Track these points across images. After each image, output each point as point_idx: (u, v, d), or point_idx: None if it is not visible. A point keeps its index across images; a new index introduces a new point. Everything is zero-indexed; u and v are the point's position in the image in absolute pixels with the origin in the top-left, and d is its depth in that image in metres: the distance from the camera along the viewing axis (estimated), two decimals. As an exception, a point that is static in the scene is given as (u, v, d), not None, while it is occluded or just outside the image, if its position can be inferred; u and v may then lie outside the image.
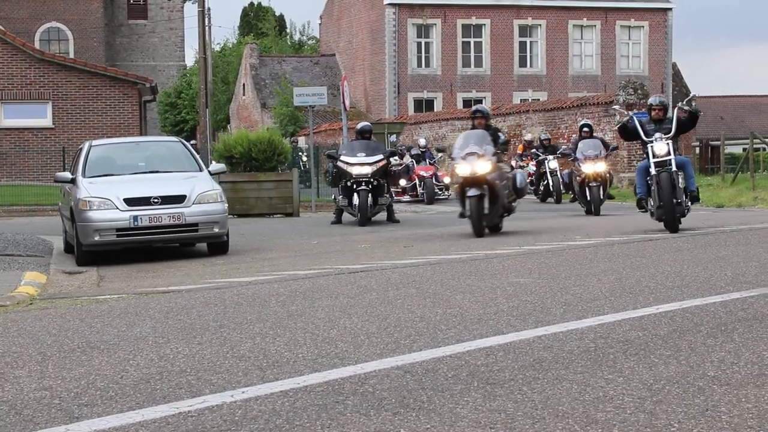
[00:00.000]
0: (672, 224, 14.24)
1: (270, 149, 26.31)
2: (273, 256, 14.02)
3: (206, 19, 44.11)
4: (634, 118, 14.97)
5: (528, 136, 33.02)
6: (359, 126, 21.95)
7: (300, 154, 38.63)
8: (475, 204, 15.28)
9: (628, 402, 4.75)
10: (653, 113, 14.82)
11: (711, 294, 7.95)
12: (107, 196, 14.21)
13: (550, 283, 9.06)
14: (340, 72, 58.09)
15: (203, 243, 15.06)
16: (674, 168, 14.32)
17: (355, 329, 6.98)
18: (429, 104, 54.90)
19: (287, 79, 57.35)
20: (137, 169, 15.67)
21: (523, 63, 56.21)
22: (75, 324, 8.08)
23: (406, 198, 30.89)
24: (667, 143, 14.36)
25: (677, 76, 63.98)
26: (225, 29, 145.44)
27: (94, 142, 16.45)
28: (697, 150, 62.79)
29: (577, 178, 22.63)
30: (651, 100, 15.29)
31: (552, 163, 29.08)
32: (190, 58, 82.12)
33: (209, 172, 15.61)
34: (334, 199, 22.06)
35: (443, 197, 30.96)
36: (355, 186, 20.37)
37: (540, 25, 56.22)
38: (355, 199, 20.31)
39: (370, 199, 20.26)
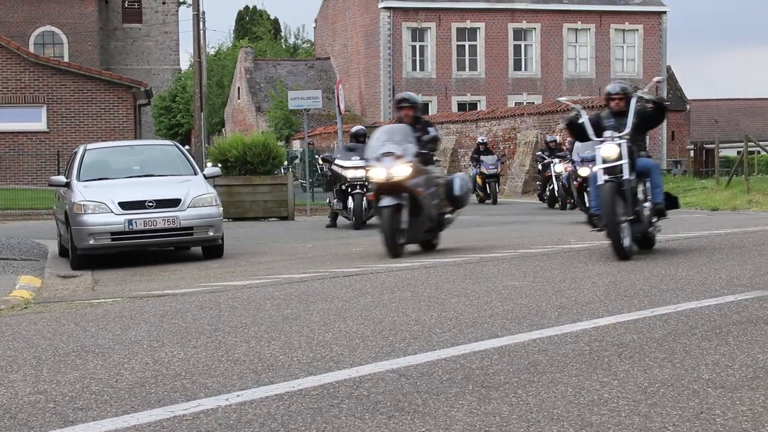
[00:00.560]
0: (617, 248, 10.98)
1: (265, 153, 26.34)
2: (268, 259, 14.02)
3: (201, 23, 44.11)
4: (583, 112, 11.83)
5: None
6: (354, 129, 21.98)
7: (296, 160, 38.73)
8: (387, 216, 12.54)
9: (623, 405, 4.76)
10: (612, 104, 11.77)
11: (706, 297, 7.95)
12: (102, 200, 14.21)
13: (544, 286, 9.06)
14: (334, 75, 58.11)
15: (198, 246, 15.06)
16: (627, 175, 11.10)
17: (350, 332, 6.98)
18: (424, 108, 54.94)
19: (282, 83, 57.39)
20: (132, 172, 15.67)
21: (517, 66, 56.28)
22: (70, 328, 8.08)
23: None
24: (619, 144, 11.20)
25: (672, 79, 64.10)
26: (220, 33, 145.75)
27: (89, 146, 16.45)
28: (692, 153, 62.89)
29: (575, 182, 20.73)
30: (609, 87, 12.08)
31: (558, 167, 27.74)
32: (185, 61, 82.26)
33: (204, 175, 15.62)
34: (329, 202, 22.10)
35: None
36: (349, 189, 20.40)
37: (534, 28, 56.29)
38: (350, 203, 20.34)
39: (364, 202, 20.26)
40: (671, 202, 12.21)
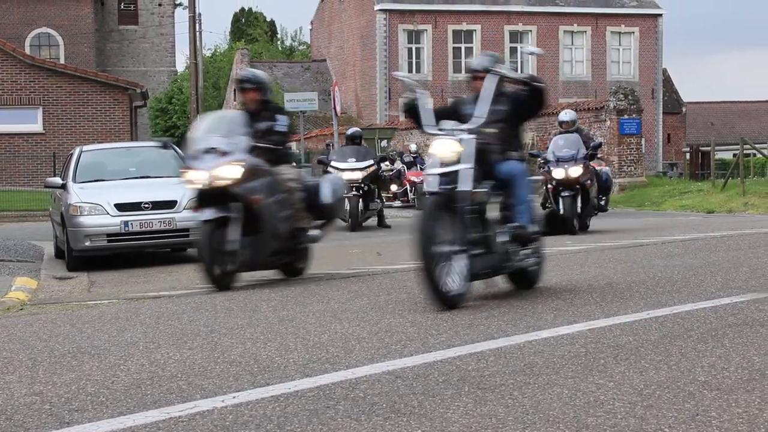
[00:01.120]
0: (433, 291, 7.66)
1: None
2: (264, 261, 13.99)
3: (197, 25, 44.07)
4: (420, 92, 8.74)
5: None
6: (349, 131, 21.99)
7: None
8: (206, 234, 9.76)
9: (619, 407, 4.76)
10: (476, 83, 8.60)
11: (701, 299, 7.95)
12: (98, 202, 14.21)
13: (540, 287, 9.06)
14: (331, 77, 58.12)
15: (194, 248, 15.05)
16: (465, 186, 7.78)
17: (346, 334, 6.97)
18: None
19: (278, 85, 57.38)
20: (128, 174, 15.68)
21: (513, 69, 56.29)
22: (66, 329, 8.07)
23: (398, 203, 30.92)
24: (461, 140, 8.00)
25: (668, 81, 64.18)
26: (216, 35, 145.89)
27: (85, 148, 16.47)
28: (688, 156, 62.97)
29: (549, 186, 16.98)
30: (473, 62, 8.84)
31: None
32: (181, 63, 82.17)
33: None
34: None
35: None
36: (345, 191, 20.38)
37: (530, 31, 56.35)
38: (346, 205, 20.33)
39: (360, 204, 20.27)
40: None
